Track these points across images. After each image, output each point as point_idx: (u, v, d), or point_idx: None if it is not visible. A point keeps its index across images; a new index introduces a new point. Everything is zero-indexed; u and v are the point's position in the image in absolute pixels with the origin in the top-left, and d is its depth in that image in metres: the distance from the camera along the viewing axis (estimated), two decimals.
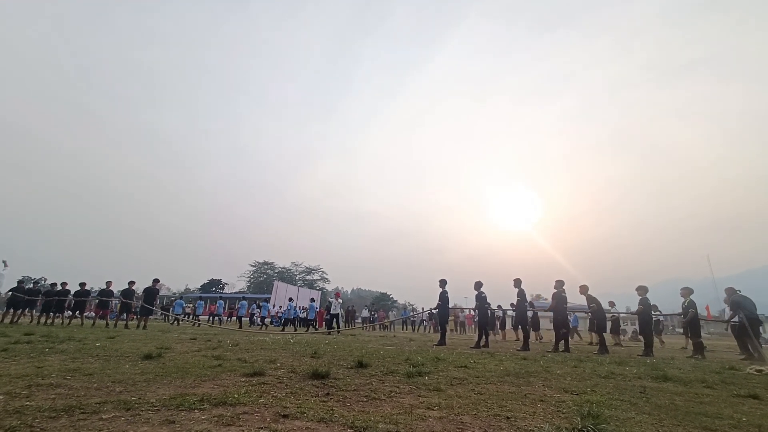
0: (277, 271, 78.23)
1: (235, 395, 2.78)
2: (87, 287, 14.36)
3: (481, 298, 10.22)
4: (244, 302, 19.81)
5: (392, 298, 77.63)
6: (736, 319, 8.79)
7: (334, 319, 15.56)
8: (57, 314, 13.56)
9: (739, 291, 8.82)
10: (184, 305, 22.10)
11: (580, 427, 2.18)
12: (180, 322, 19.46)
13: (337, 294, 18.91)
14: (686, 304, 8.92)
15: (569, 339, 9.80)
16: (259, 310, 21.97)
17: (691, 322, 8.78)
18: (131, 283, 14.05)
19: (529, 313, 12.77)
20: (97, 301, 14.99)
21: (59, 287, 13.89)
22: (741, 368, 6.01)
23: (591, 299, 9.58)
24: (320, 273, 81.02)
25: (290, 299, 22.83)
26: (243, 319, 19.18)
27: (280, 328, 18.87)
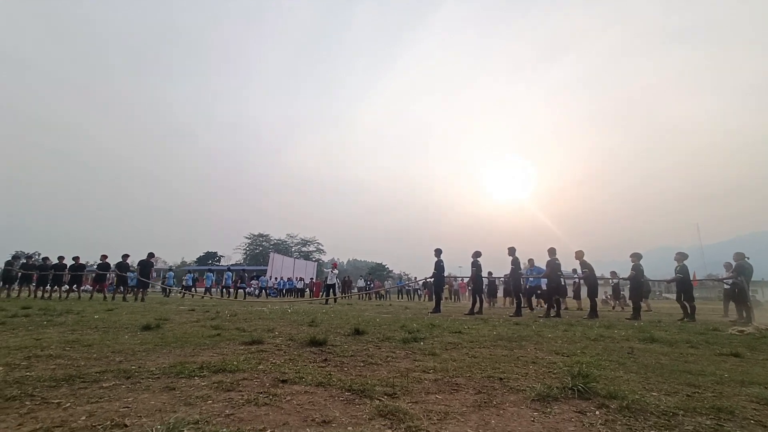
0: (272, 243, 78.48)
1: (234, 362, 2.82)
2: (82, 261, 14.36)
3: (477, 266, 10.37)
4: (229, 273, 20.31)
5: (388, 268, 78.80)
6: (730, 281, 9.14)
7: (331, 289, 15.82)
8: (54, 288, 13.62)
9: (748, 258, 9.01)
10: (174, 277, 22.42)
11: (570, 386, 2.25)
12: (171, 293, 19.83)
13: (334, 264, 19.17)
14: (678, 269, 9.13)
15: (561, 305, 10.06)
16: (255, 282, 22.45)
17: (684, 286, 9.01)
18: (125, 256, 14.05)
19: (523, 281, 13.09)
20: (93, 274, 15.04)
21: (56, 261, 13.88)
22: (723, 329, 6.25)
23: (584, 264, 9.77)
24: (316, 244, 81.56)
25: (261, 276, 23.75)
26: (230, 290, 19.58)
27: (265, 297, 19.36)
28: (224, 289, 19.62)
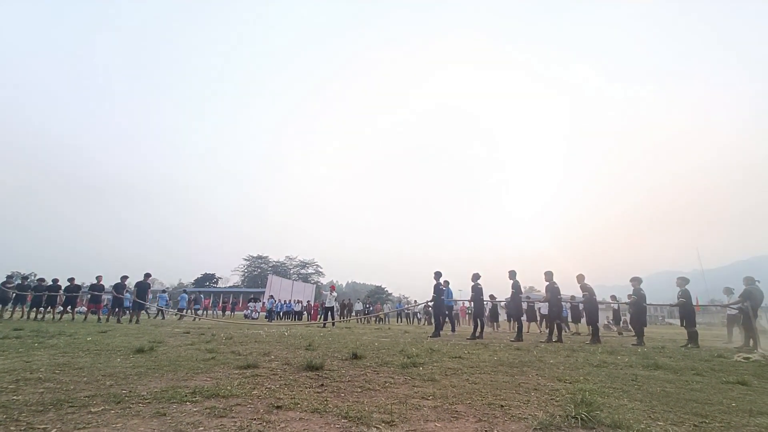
0: (271, 265, 78.08)
1: (228, 387, 2.75)
2: (77, 282, 14.21)
3: (477, 290, 10.25)
4: (184, 295, 20.74)
5: (387, 291, 77.98)
6: (737, 306, 8.97)
7: (329, 312, 15.58)
8: (47, 309, 13.40)
9: (758, 282, 8.80)
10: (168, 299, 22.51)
11: (573, 414, 2.18)
12: (165, 316, 19.76)
13: (332, 287, 18.98)
14: (681, 293, 9.03)
15: (563, 330, 9.90)
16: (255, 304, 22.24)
17: (686, 311, 8.86)
18: (124, 277, 13.90)
19: (524, 305, 12.86)
20: (88, 296, 14.85)
21: (50, 283, 13.72)
22: (729, 356, 6.12)
23: (585, 288, 9.67)
24: (315, 267, 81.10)
25: (271, 296, 23.33)
26: (235, 313, 19.41)
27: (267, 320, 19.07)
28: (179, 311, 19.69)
